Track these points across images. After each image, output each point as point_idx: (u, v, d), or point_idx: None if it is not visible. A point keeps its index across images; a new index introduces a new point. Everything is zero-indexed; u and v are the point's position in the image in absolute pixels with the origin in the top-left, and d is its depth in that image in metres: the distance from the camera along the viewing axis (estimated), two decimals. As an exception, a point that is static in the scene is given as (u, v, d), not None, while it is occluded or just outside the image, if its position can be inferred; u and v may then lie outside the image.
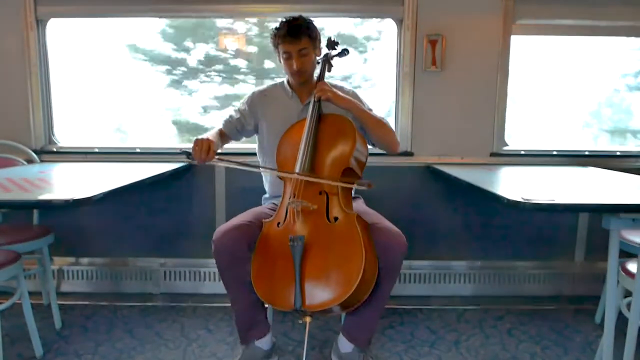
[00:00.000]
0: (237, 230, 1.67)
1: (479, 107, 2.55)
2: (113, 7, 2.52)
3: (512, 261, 2.67)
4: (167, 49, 2.73)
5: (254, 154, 2.12)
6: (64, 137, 2.68)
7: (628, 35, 2.64)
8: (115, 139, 2.88)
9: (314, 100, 1.81)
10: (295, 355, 2.00)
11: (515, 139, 2.66)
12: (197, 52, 2.73)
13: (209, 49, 2.73)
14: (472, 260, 2.66)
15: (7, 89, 2.54)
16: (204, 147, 1.67)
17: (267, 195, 2.07)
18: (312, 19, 1.90)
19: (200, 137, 1.73)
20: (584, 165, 2.54)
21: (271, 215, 1.76)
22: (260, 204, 2.06)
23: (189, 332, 2.20)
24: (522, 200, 1.45)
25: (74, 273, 2.66)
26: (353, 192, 1.83)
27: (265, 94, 2.04)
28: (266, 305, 2.02)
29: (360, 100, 1.96)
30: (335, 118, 1.80)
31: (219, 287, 1.78)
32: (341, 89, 1.95)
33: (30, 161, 2.52)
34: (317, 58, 1.95)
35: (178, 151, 1.78)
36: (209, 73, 2.74)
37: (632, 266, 1.76)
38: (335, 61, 2.01)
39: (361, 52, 2.77)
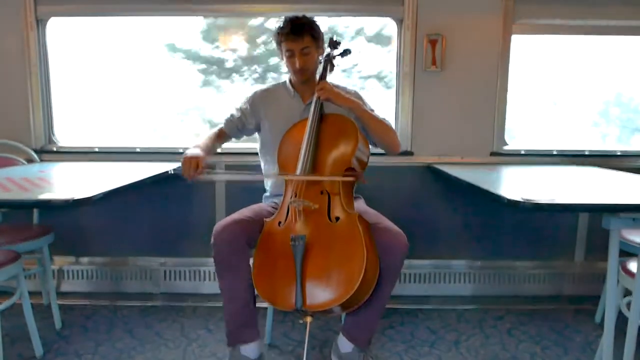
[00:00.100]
0: (236, 224, 1.67)
1: (479, 107, 2.55)
2: (113, 6, 2.52)
3: (512, 261, 2.67)
4: (207, 48, 2.75)
5: (256, 154, 2.12)
6: (64, 137, 2.68)
7: (628, 34, 2.64)
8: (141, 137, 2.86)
9: (316, 100, 1.81)
10: (296, 355, 2.00)
11: (523, 139, 2.66)
12: (234, 50, 2.73)
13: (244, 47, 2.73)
14: (472, 260, 2.66)
15: (7, 89, 2.54)
16: (193, 164, 1.68)
17: (267, 194, 2.07)
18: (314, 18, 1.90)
19: (188, 153, 1.73)
20: (584, 165, 2.54)
21: (272, 214, 1.76)
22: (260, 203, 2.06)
23: (189, 331, 2.20)
24: (522, 200, 1.45)
25: (74, 273, 2.66)
26: (354, 192, 1.83)
27: (267, 93, 2.04)
28: (266, 305, 2.04)
29: (363, 101, 1.96)
30: (337, 118, 1.80)
31: (219, 287, 1.77)
32: (344, 89, 1.95)
33: (30, 161, 2.52)
34: (320, 58, 1.94)
35: (169, 172, 1.77)
36: (243, 72, 2.74)
37: (632, 266, 1.76)
38: (337, 61, 2.00)
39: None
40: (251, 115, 2.02)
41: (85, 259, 2.67)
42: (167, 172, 1.73)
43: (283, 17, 1.88)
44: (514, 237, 2.65)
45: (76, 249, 2.65)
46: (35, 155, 2.54)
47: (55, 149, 2.62)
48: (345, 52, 2.00)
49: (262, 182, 2.09)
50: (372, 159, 1.86)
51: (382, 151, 1.96)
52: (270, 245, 1.65)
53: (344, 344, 1.78)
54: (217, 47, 2.76)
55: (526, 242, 2.65)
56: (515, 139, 2.64)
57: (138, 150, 2.61)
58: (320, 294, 1.50)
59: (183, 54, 2.77)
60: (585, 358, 1.99)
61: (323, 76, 1.92)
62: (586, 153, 2.65)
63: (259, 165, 2.11)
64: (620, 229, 1.59)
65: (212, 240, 1.66)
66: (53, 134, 2.65)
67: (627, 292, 1.79)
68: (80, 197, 1.45)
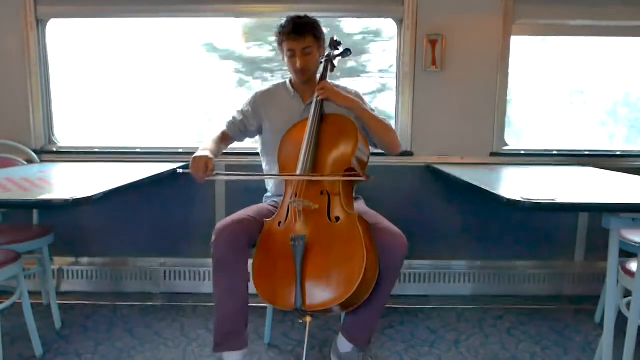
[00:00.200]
0: (238, 224, 1.67)
1: (479, 107, 2.56)
2: (113, 8, 2.52)
3: (512, 261, 2.67)
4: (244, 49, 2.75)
5: (257, 154, 2.12)
6: (64, 137, 2.68)
7: (628, 35, 2.64)
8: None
9: (316, 100, 1.81)
10: (295, 355, 2.00)
11: (532, 139, 2.66)
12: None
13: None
14: (472, 260, 2.66)
15: (7, 89, 2.54)
16: (202, 165, 1.67)
17: (269, 194, 2.07)
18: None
19: (197, 154, 1.71)
20: (584, 165, 2.54)
21: (273, 214, 1.76)
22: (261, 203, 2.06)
23: (189, 331, 2.20)
24: (522, 200, 1.45)
25: (74, 273, 2.66)
26: (354, 192, 1.83)
27: (268, 94, 2.04)
28: (266, 305, 2.04)
29: (363, 101, 1.96)
30: (337, 118, 1.80)
31: (213, 289, 1.75)
32: (344, 89, 1.95)
33: (30, 161, 2.52)
34: (320, 58, 1.94)
35: (177, 171, 1.77)
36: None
37: (632, 266, 1.76)
38: (337, 61, 2.00)
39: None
40: (253, 117, 2.01)
41: (85, 259, 2.67)
42: (174, 170, 1.72)
43: (285, 17, 1.87)
44: (514, 237, 2.65)
45: (76, 249, 2.65)
46: (35, 156, 2.54)
47: (55, 149, 2.62)
48: (346, 52, 2.00)
49: (268, 181, 2.09)
50: (372, 159, 1.86)
51: (382, 151, 1.95)
52: (270, 246, 1.65)
53: (344, 344, 1.78)
54: (260, 46, 2.76)
55: (526, 242, 2.65)
56: (525, 139, 2.64)
57: (138, 150, 2.61)
58: (320, 294, 1.50)
59: (221, 53, 2.77)
60: (585, 358, 1.99)
61: (323, 76, 1.92)
62: (586, 153, 2.65)
63: (260, 166, 2.11)
64: (620, 228, 1.59)
65: (212, 239, 1.65)
66: (53, 134, 2.65)
67: (627, 292, 1.79)
68: (80, 197, 1.45)
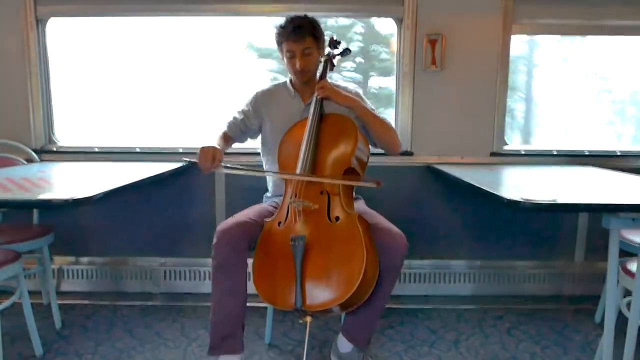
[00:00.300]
0: (239, 227, 1.66)
1: (479, 107, 2.56)
2: (113, 6, 2.52)
3: (512, 261, 2.67)
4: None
5: (257, 154, 2.12)
6: (64, 137, 2.68)
7: (628, 34, 2.64)
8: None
9: (316, 99, 1.81)
10: (295, 355, 2.00)
11: (541, 139, 2.66)
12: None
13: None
14: (472, 259, 2.66)
15: (7, 89, 2.54)
16: (209, 156, 1.66)
17: (268, 194, 2.07)
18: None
19: (205, 145, 1.70)
20: (584, 165, 2.54)
21: (273, 214, 1.76)
22: (261, 203, 2.06)
23: (189, 331, 2.20)
24: (522, 200, 1.45)
25: (74, 272, 2.66)
26: (354, 192, 1.83)
27: (268, 94, 2.04)
28: (266, 305, 2.04)
29: (363, 100, 1.96)
30: (337, 117, 1.80)
31: (211, 291, 1.75)
32: (345, 88, 1.94)
33: (30, 161, 2.52)
34: (320, 57, 1.94)
35: (184, 161, 1.75)
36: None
37: (632, 266, 1.76)
38: (337, 60, 2.00)
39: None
40: (254, 116, 2.01)
41: (85, 259, 2.67)
42: (184, 161, 1.69)
43: (284, 17, 1.87)
44: (514, 237, 2.65)
45: (76, 248, 2.65)
46: (35, 155, 2.54)
47: (55, 149, 2.62)
48: (346, 52, 2.00)
49: (266, 179, 2.09)
50: (372, 159, 1.86)
51: (382, 151, 1.95)
52: (270, 246, 1.65)
53: (344, 344, 1.78)
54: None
55: (526, 242, 2.66)
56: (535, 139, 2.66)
57: (138, 150, 2.61)
58: (320, 294, 1.49)
59: (260, 52, 2.78)
60: (585, 358, 1.99)
61: (323, 75, 1.92)
62: (586, 153, 2.65)
63: (261, 165, 2.11)
64: (620, 228, 1.59)
65: (214, 240, 1.65)
66: (53, 134, 2.65)
67: (627, 292, 1.79)
68: (80, 197, 1.45)
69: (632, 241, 1.95)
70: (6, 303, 1.85)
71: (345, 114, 1.82)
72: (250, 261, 1.66)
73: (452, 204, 2.62)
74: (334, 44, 1.99)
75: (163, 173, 2.21)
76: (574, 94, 2.82)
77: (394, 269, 1.65)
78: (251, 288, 1.62)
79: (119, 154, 2.60)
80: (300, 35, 1.81)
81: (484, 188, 1.71)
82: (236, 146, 2.13)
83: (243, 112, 2.03)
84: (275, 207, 1.84)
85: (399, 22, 2.53)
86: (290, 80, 2.02)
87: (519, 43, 2.71)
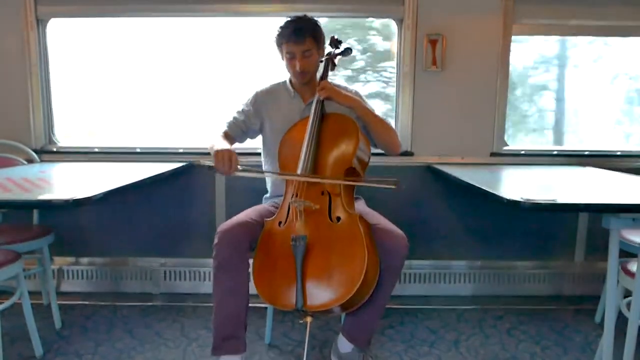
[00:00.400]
0: (240, 227, 1.66)
1: (479, 107, 2.56)
2: (113, 7, 2.52)
3: (512, 261, 2.67)
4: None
5: (258, 154, 2.12)
6: (64, 137, 2.68)
7: (628, 34, 2.64)
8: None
9: (317, 100, 1.81)
10: (295, 355, 2.00)
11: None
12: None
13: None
14: (472, 260, 2.66)
15: (7, 89, 2.54)
16: (226, 159, 1.61)
17: (267, 195, 2.07)
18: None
19: (219, 148, 1.66)
20: (584, 165, 2.54)
21: (274, 214, 1.75)
22: (261, 204, 2.05)
23: (189, 331, 2.20)
24: (522, 200, 1.45)
25: (74, 273, 2.66)
26: (354, 192, 1.82)
27: (268, 94, 2.03)
28: (266, 305, 2.04)
29: (363, 100, 1.96)
30: (338, 117, 1.80)
31: (212, 291, 1.75)
32: (345, 89, 1.94)
33: (30, 161, 2.52)
34: (320, 58, 1.93)
35: (202, 166, 1.68)
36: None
37: (632, 266, 1.76)
38: (338, 60, 2.00)
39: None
40: (255, 116, 2.01)
41: (85, 259, 2.67)
42: (191, 164, 1.62)
43: (285, 18, 1.87)
44: (514, 237, 2.65)
45: (76, 249, 2.65)
46: (35, 156, 2.54)
47: (55, 149, 2.62)
48: (347, 51, 2.00)
49: (265, 180, 2.09)
50: (372, 158, 1.86)
51: (382, 151, 1.95)
52: (270, 245, 1.64)
53: (344, 344, 1.78)
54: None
55: (526, 242, 2.66)
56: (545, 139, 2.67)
57: (138, 150, 2.61)
58: (320, 294, 1.49)
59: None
60: (585, 358, 1.99)
61: (324, 75, 1.92)
62: (586, 153, 2.65)
63: (261, 165, 2.11)
64: (620, 229, 1.59)
65: (215, 241, 1.64)
66: (53, 134, 2.65)
67: (627, 292, 1.79)
68: (80, 197, 1.45)
69: (632, 241, 1.95)
70: (6, 303, 1.85)
71: (346, 114, 1.82)
72: (250, 261, 1.66)
73: (452, 204, 2.62)
74: (335, 43, 1.98)
75: (163, 173, 2.21)
76: (604, 94, 2.80)
77: (394, 270, 1.64)
78: (251, 288, 1.62)
79: (119, 154, 2.60)
80: (301, 36, 1.80)
81: (484, 188, 1.71)
82: (236, 146, 2.13)
83: (243, 112, 2.02)
84: (276, 207, 1.84)
85: (399, 22, 2.53)
86: (290, 80, 2.02)
87: (551, 43, 2.74)
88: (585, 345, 2.09)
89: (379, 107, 2.71)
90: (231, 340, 1.67)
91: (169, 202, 2.62)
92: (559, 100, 2.87)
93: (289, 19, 1.86)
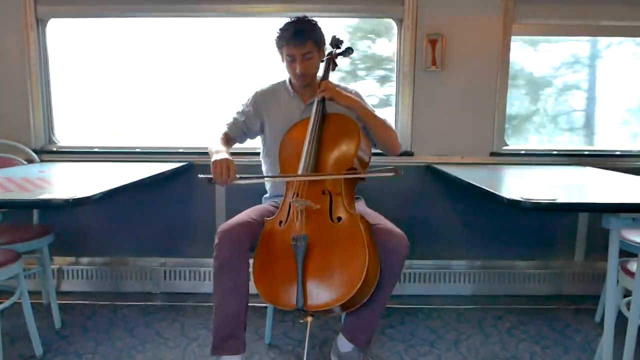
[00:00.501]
0: (241, 227, 1.66)
1: (479, 107, 2.56)
2: (113, 7, 2.52)
3: (512, 261, 2.67)
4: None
5: (257, 154, 2.12)
6: (64, 137, 2.68)
7: (628, 34, 2.64)
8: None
9: (318, 100, 1.80)
10: (295, 355, 2.00)
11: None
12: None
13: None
14: (472, 259, 2.66)
15: (7, 89, 2.54)
16: (224, 169, 1.62)
17: (267, 195, 2.06)
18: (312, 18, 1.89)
19: (217, 158, 1.66)
20: (584, 165, 2.54)
21: (274, 214, 1.75)
22: (261, 204, 2.05)
23: (189, 331, 2.20)
24: (522, 200, 1.45)
25: (74, 272, 2.66)
26: (355, 192, 1.82)
27: (267, 94, 2.03)
28: (266, 305, 2.04)
29: (363, 100, 1.96)
30: (340, 117, 1.80)
31: (213, 291, 1.75)
32: (344, 89, 1.94)
33: (30, 161, 2.52)
34: (321, 57, 1.93)
35: (199, 176, 1.69)
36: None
37: (632, 265, 1.76)
38: (339, 60, 2.00)
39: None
40: (255, 116, 2.01)
41: (85, 259, 2.67)
42: (198, 179, 1.62)
43: (285, 21, 1.86)
44: (514, 237, 2.65)
45: (76, 248, 2.65)
46: (35, 156, 2.54)
47: (55, 149, 2.62)
48: (348, 51, 1.99)
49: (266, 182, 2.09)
50: (372, 158, 1.86)
51: (381, 151, 1.95)
52: (271, 245, 1.64)
53: (344, 344, 1.77)
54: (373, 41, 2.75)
55: (526, 242, 2.66)
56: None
57: (138, 150, 2.61)
58: (321, 294, 1.49)
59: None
60: (585, 358, 1.99)
61: (325, 75, 1.92)
62: (586, 153, 2.65)
63: (260, 165, 2.11)
64: (620, 228, 1.59)
65: (216, 241, 1.64)
66: (53, 134, 2.65)
67: (627, 292, 1.79)
68: (80, 197, 1.45)
69: (632, 241, 1.95)
70: (6, 303, 1.85)
71: (346, 114, 1.82)
72: (250, 261, 1.66)
73: (452, 204, 2.62)
74: (337, 43, 1.98)
75: (163, 173, 2.21)
76: (635, 94, 2.79)
77: (394, 270, 1.64)
78: (252, 288, 1.62)
79: (119, 154, 2.60)
80: (301, 39, 1.80)
81: (484, 188, 1.71)
82: (236, 146, 2.13)
83: (244, 112, 2.02)
84: (276, 207, 1.84)
85: (399, 22, 2.53)
86: (290, 80, 2.01)
87: (581, 43, 2.74)
88: (585, 344, 2.09)
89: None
90: (231, 340, 1.67)
91: (169, 202, 2.62)
92: (590, 100, 2.87)
93: (288, 20, 1.85)
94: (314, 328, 2.19)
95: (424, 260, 2.64)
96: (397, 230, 1.67)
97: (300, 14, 1.88)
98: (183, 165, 2.45)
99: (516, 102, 2.81)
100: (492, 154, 2.59)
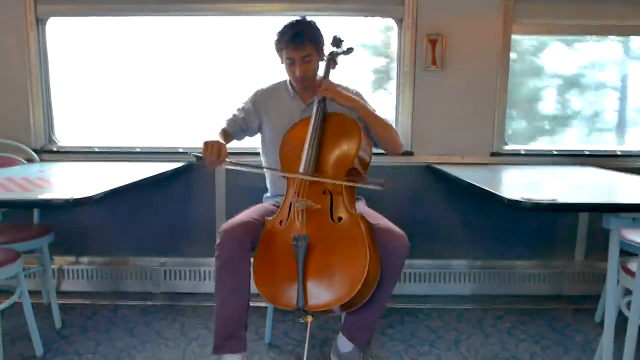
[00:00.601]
0: (242, 227, 1.66)
1: (479, 106, 2.56)
2: (112, 6, 2.52)
3: (512, 261, 2.67)
4: None
5: (256, 154, 2.12)
6: (64, 137, 2.68)
7: (628, 34, 2.64)
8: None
9: (319, 100, 1.80)
10: (296, 355, 2.00)
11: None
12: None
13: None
14: (472, 259, 2.66)
15: (7, 89, 2.54)
16: (214, 151, 1.61)
17: (268, 194, 2.06)
18: (310, 17, 1.89)
19: (209, 140, 1.65)
20: (584, 165, 2.54)
21: (275, 213, 1.75)
22: (262, 203, 2.05)
23: (189, 331, 2.20)
24: (522, 200, 1.45)
25: (74, 272, 2.66)
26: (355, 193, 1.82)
27: (268, 93, 2.03)
28: (266, 305, 2.04)
29: (364, 100, 1.96)
30: (340, 117, 1.80)
31: (214, 291, 1.75)
32: (345, 89, 1.94)
33: (30, 160, 2.52)
34: (322, 56, 1.92)
35: (188, 154, 1.69)
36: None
37: (632, 265, 1.76)
38: (340, 59, 1.99)
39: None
40: (254, 114, 2.01)
41: (85, 259, 2.67)
42: (189, 157, 1.62)
43: (284, 21, 1.86)
44: (514, 237, 2.65)
45: (76, 248, 2.65)
46: (35, 155, 2.54)
47: (55, 149, 2.62)
48: (349, 51, 1.98)
49: (265, 180, 2.09)
50: (372, 158, 1.86)
51: (381, 151, 1.95)
52: (271, 244, 1.64)
53: (344, 344, 1.78)
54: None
55: (526, 242, 2.66)
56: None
57: (138, 150, 2.61)
58: (321, 294, 1.49)
59: (372, 50, 2.76)
60: (585, 357, 1.99)
61: (326, 75, 1.91)
62: (586, 153, 2.65)
63: (260, 165, 2.11)
64: (620, 228, 1.59)
65: (217, 241, 1.64)
66: (53, 134, 2.65)
67: (627, 292, 1.79)
68: (80, 197, 1.45)
69: (632, 241, 1.95)
70: (6, 303, 1.85)
71: (347, 114, 1.82)
72: (251, 260, 1.66)
73: (452, 204, 2.62)
74: (337, 42, 1.97)
75: (163, 173, 2.21)
76: None
77: (395, 269, 1.64)
78: (252, 287, 1.62)
79: (119, 154, 2.60)
80: (300, 43, 1.80)
81: (484, 188, 1.71)
82: (236, 146, 2.13)
83: (243, 109, 2.02)
84: (277, 206, 1.84)
85: (399, 22, 2.53)
86: (290, 81, 2.01)
87: (612, 44, 2.73)
88: (585, 344, 2.09)
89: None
90: (232, 340, 1.68)
91: (169, 202, 2.62)
92: (622, 99, 2.86)
93: (287, 23, 1.85)
94: (314, 328, 2.19)
95: (424, 260, 2.64)
96: (398, 230, 1.67)
97: (300, 14, 1.88)
98: (183, 165, 2.45)
99: (550, 101, 2.82)
100: (492, 154, 2.59)
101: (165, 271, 2.66)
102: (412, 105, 2.54)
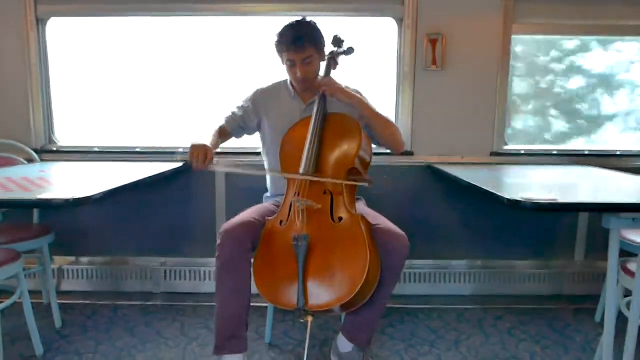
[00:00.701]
0: (243, 227, 1.66)
1: (479, 106, 2.56)
2: (113, 6, 2.52)
3: (512, 260, 2.67)
4: None
5: (258, 154, 2.12)
6: (64, 137, 2.68)
7: (628, 34, 2.64)
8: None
9: (319, 98, 1.80)
10: (296, 355, 2.00)
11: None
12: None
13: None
14: (472, 259, 2.66)
15: (7, 88, 2.54)
16: (200, 154, 1.66)
17: (268, 194, 2.06)
18: (310, 17, 1.89)
19: (195, 142, 1.70)
20: (584, 165, 2.54)
21: (275, 213, 1.75)
22: (262, 203, 2.05)
23: (189, 330, 2.20)
24: (522, 200, 1.45)
25: (74, 272, 2.66)
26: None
27: (268, 92, 2.03)
28: (266, 305, 2.04)
29: (365, 98, 1.95)
30: (341, 117, 1.80)
31: (215, 291, 1.75)
32: (346, 87, 1.94)
33: (30, 160, 2.52)
34: (320, 61, 1.92)
35: (173, 154, 1.74)
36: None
37: (632, 265, 1.77)
38: (340, 59, 1.99)
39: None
40: (253, 112, 2.01)
41: (85, 258, 2.67)
42: (176, 160, 1.68)
43: (282, 26, 1.85)
44: (514, 237, 2.65)
45: (76, 248, 2.65)
46: (35, 155, 2.54)
47: (55, 149, 2.62)
48: (349, 50, 1.99)
49: (265, 179, 2.09)
50: (372, 158, 1.86)
51: (381, 151, 1.95)
52: (272, 244, 1.64)
53: (344, 344, 1.78)
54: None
55: (526, 242, 2.66)
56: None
57: (138, 150, 2.61)
58: (322, 294, 1.49)
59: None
60: (585, 357, 1.99)
61: (327, 74, 1.91)
62: (586, 153, 2.65)
63: (262, 165, 2.11)
64: (620, 228, 1.59)
65: (218, 241, 1.64)
66: (53, 134, 2.65)
67: (627, 292, 1.79)
68: (80, 197, 1.45)
69: (632, 241, 1.95)
70: (6, 302, 1.84)
71: (348, 112, 1.82)
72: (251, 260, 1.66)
73: (452, 203, 2.62)
74: (338, 42, 1.97)
75: (163, 173, 2.21)
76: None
77: (395, 269, 1.65)
78: (252, 287, 1.62)
79: (119, 154, 2.60)
80: (300, 45, 1.80)
81: (484, 188, 1.71)
82: (236, 145, 2.13)
83: (242, 107, 2.03)
84: (277, 206, 1.84)
85: (399, 21, 2.53)
86: (290, 81, 2.01)
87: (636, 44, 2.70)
88: (585, 344, 2.10)
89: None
90: (233, 340, 1.68)
91: (169, 202, 2.62)
92: None
93: (286, 24, 1.84)
94: (314, 328, 2.19)
95: (424, 259, 2.64)
96: (398, 230, 1.67)
97: (300, 14, 1.88)
98: (183, 165, 2.45)
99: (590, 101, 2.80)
100: (492, 154, 2.59)
101: (165, 271, 2.66)
102: (412, 105, 2.54)
